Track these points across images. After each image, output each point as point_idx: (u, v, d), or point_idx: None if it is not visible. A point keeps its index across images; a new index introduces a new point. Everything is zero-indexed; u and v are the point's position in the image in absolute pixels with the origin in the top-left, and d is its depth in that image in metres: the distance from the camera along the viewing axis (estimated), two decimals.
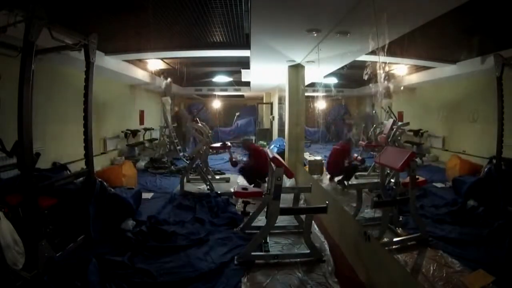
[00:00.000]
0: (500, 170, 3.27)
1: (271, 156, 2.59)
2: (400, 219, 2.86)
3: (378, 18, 2.15)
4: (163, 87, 7.81)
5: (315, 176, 4.62)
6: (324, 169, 4.80)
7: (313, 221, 2.75)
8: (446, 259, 2.19)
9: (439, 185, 4.24)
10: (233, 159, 5.25)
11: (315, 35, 2.82)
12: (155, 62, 6.48)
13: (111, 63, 4.92)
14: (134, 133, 7.37)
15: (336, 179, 4.39)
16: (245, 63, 5.33)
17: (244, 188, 3.52)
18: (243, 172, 4.52)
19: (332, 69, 4.79)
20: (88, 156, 2.92)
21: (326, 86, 6.94)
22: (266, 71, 5.42)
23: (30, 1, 2.07)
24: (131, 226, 3.07)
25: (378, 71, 2.33)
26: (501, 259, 2.17)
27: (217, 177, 5.25)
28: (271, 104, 10.02)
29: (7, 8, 2.28)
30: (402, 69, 5.77)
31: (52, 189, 2.63)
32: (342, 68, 4.78)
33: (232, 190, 4.02)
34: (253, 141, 10.75)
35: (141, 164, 6.46)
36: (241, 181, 5.08)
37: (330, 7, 2.20)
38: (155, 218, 3.30)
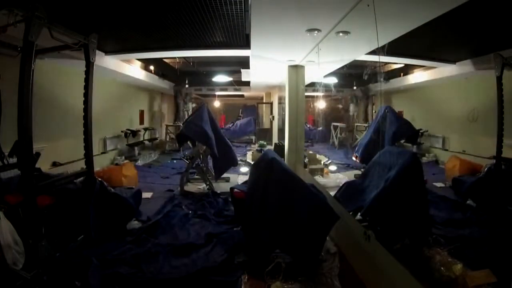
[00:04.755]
0: (500, 170, 3.27)
1: None
2: None
3: (378, 18, 2.15)
4: None
5: (316, 177, 4.63)
6: None
7: None
8: (446, 258, 2.19)
9: (438, 184, 4.24)
10: None
11: (315, 34, 2.81)
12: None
13: (111, 63, 4.92)
14: (134, 133, 7.38)
15: None
16: (245, 63, 5.33)
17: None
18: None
19: (332, 68, 4.79)
20: (88, 156, 2.92)
21: (326, 85, 6.94)
22: (266, 71, 5.42)
23: (30, 1, 2.07)
24: (137, 226, 3.10)
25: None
26: (502, 259, 2.17)
27: None
28: (271, 104, 10.02)
29: (7, 8, 2.28)
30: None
31: (52, 189, 2.63)
32: (342, 68, 4.78)
33: None
34: (253, 141, 10.79)
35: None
36: (241, 180, 5.09)
37: (330, 7, 2.20)
38: (155, 218, 3.31)
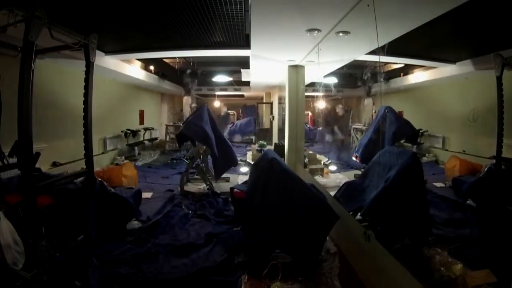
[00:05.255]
0: (500, 170, 3.27)
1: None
2: None
3: (378, 18, 2.15)
4: None
5: (316, 177, 4.63)
6: None
7: None
8: (446, 258, 2.19)
9: (438, 184, 4.24)
10: None
11: (315, 34, 2.81)
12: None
13: (111, 63, 4.92)
14: (134, 133, 7.38)
15: None
16: (245, 63, 5.33)
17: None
18: None
19: (332, 68, 4.79)
20: (88, 156, 2.92)
21: (326, 85, 6.94)
22: (266, 71, 5.42)
23: (30, 1, 2.07)
24: (137, 226, 3.10)
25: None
26: (502, 259, 2.17)
27: None
28: (271, 104, 10.03)
29: (7, 8, 2.28)
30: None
31: (52, 189, 2.63)
32: (342, 68, 4.78)
33: None
34: (253, 141, 10.79)
35: None
36: (241, 180, 5.09)
37: (330, 7, 2.20)
38: (155, 218, 3.31)
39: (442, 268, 2.03)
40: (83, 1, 2.69)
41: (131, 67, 5.92)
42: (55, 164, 4.45)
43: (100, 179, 3.07)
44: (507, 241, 2.39)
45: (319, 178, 4.83)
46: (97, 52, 2.99)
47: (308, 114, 11.17)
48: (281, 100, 8.04)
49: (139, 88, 8.12)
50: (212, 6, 2.77)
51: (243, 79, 7.05)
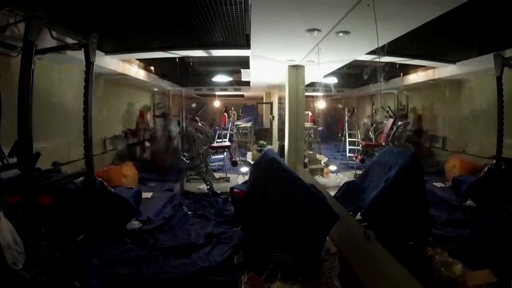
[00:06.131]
0: (500, 170, 3.27)
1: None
2: None
3: (378, 18, 2.15)
4: None
5: (316, 177, 4.63)
6: None
7: None
8: (446, 258, 2.19)
9: (438, 184, 4.24)
10: (233, 159, 5.27)
11: (315, 34, 2.81)
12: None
13: (111, 63, 4.92)
14: (134, 133, 7.38)
15: None
16: (245, 63, 5.33)
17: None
18: None
19: (332, 68, 4.79)
20: (88, 156, 2.92)
21: (326, 85, 6.93)
22: (266, 71, 5.42)
23: (30, 1, 2.07)
24: (137, 226, 3.10)
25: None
26: (502, 259, 2.17)
27: (217, 176, 5.27)
28: (271, 103, 10.02)
29: (7, 8, 2.27)
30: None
31: (52, 189, 2.63)
32: (342, 68, 4.78)
33: None
34: (251, 141, 10.78)
35: None
36: (241, 180, 5.09)
37: (330, 7, 2.20)
38: (155, 218, 3.31)
39: (442, 268, 2.03)
40: (83, 1, 2.69)
41: (131, 67, 5.91)
42: (55, 164, 4.44)
43: (100, 179, 3.07)
44: (507, 241, 2.39)
45: (319, 178, 4.82)
46: (97, 52, 2.99)
47: (308, 114, 11.15)
48: (281, 100, 8.03)
49: (139, 88, 8.11)
50: (212, 6, 2.77)
51: (243, 79, 7.03)
